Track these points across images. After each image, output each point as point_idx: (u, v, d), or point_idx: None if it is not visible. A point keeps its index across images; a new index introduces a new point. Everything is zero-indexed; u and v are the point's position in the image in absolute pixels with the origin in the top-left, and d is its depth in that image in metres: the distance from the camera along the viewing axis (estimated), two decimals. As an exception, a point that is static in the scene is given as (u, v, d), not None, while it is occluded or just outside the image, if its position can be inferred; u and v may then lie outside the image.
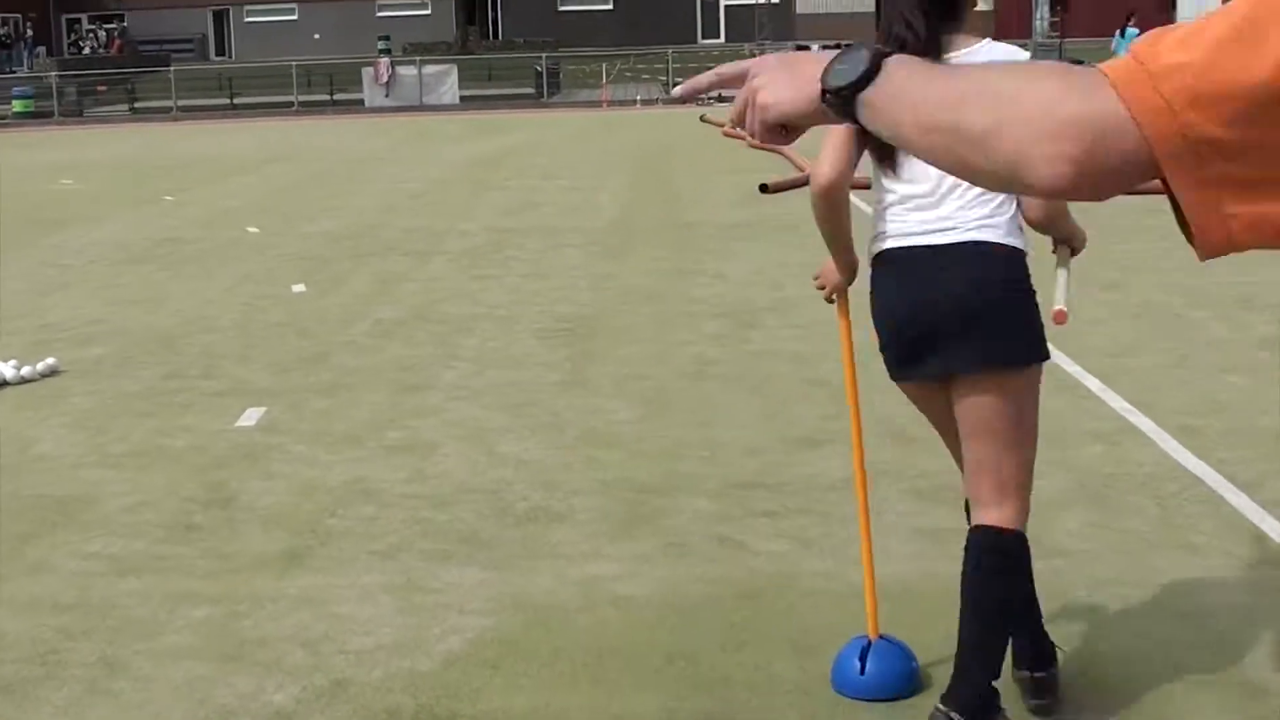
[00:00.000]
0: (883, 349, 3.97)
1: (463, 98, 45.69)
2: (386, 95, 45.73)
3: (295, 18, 68.66)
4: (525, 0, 65.59)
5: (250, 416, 7.51)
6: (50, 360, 8.77)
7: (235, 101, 48.11)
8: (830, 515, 5.65)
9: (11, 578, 5.35)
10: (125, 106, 48.50)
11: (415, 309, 10.39)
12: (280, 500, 6.12)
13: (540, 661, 4.45)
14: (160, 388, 8.27)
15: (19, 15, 64.47)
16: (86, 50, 64.01)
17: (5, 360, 8.65)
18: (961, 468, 3.95)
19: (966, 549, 3.87)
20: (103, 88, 51.53)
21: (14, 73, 55.80)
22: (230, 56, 67.70)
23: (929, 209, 3.80)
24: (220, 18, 69.80)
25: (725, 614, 4.75)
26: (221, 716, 4.20)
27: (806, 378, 7.91)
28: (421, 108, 44.05)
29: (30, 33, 63.88)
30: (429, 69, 46.79)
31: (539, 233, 14.40)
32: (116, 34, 64.77)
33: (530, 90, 47.08)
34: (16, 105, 45.09)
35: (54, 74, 48.68)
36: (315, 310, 10.48)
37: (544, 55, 48.33)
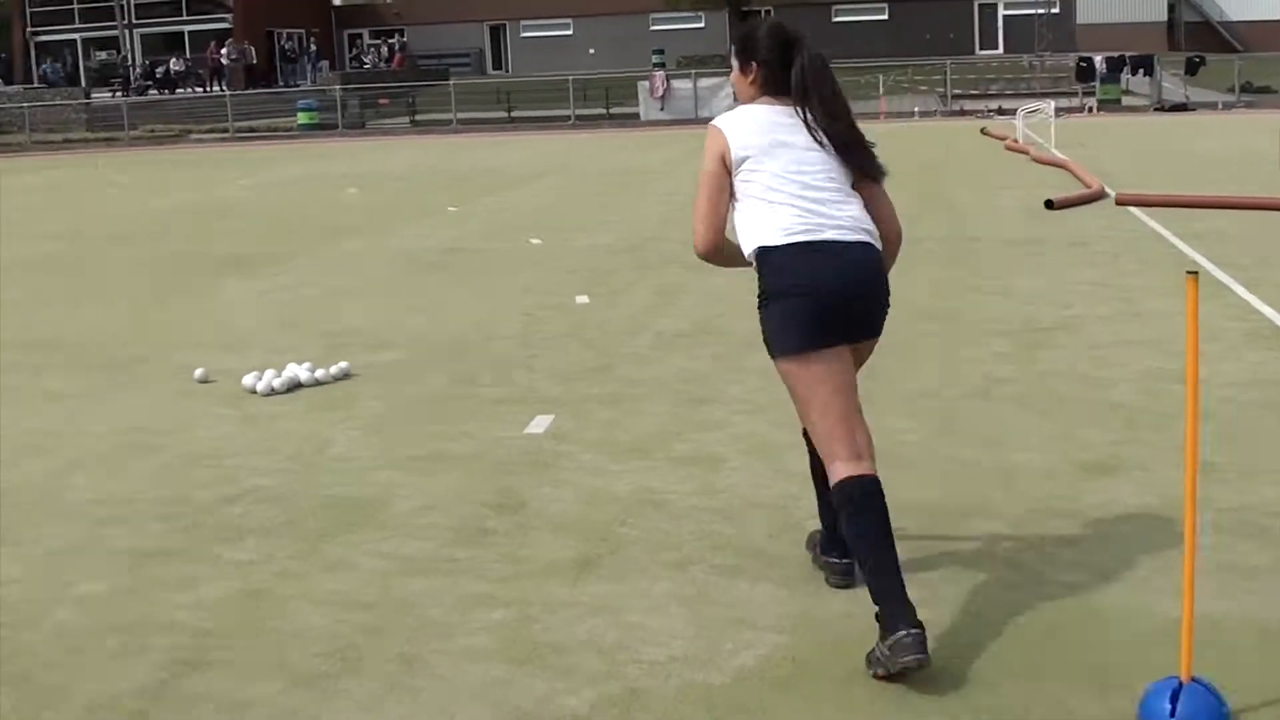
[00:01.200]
0: (810, 322, 4.63)
1: (737, 111, 45.69)
2: (661, 109, 46.21)
3: (570, 32, 69.80)
4: (798, 12, 65.56)
5: (539, 424, 7.60)
6: (343, 364, 9.03)
7: (513, 114, 49.08)
8: (1129, 545, 5.46)
9: (311, 574, 5.50)
10: (406, 119, 49.90)
11: (697, 322, 10.42)
12: (570, 508, 6.17)
13: (834, 683, 4.39)
14: (449, 393, 8.44)
15: (303, 30, 66.81)
16: (368, 64, 65.98)
17: (300, 363, 8.93)
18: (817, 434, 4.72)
19: (854, 496, 4.57)
20: (384, 101, 53.11)
21: (298, 85, 57.81)
22: (507, 70, 69.15)
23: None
24: (497, 32, 71.35)
25: (1023, 644, 4.62)
26: (518, 718, 4.24)
27: (1097, 400, 7.70)
28: (697, 120, 44.32)
29: (314, 47, 66.14)
30: (704, 82, 47.09)
31: (817, 247, 14.25)
32: (398, 48, 66.62)
33: (805, 103, 46.77)
34: (301, 117, 46.70)
35: (337, 87, 50.29)
36: (597, 321, 10.59)
37: (818, 69, 48.04)
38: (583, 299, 11.59)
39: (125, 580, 5.56)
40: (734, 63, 4.94)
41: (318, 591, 5.31)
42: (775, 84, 4.84)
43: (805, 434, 4.96)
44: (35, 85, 60.65)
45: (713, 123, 4.92)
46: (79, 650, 4.89)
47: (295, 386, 8.64)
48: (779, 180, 4.69)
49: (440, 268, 13.81)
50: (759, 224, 4.70)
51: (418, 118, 50.02)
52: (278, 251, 15.59)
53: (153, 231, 18.55)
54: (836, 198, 4.72)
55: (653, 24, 67.68)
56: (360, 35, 72.36)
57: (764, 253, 4.68)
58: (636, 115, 46.55)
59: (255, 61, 59.86)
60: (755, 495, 6.27)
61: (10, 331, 11.23)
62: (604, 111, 48.41)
